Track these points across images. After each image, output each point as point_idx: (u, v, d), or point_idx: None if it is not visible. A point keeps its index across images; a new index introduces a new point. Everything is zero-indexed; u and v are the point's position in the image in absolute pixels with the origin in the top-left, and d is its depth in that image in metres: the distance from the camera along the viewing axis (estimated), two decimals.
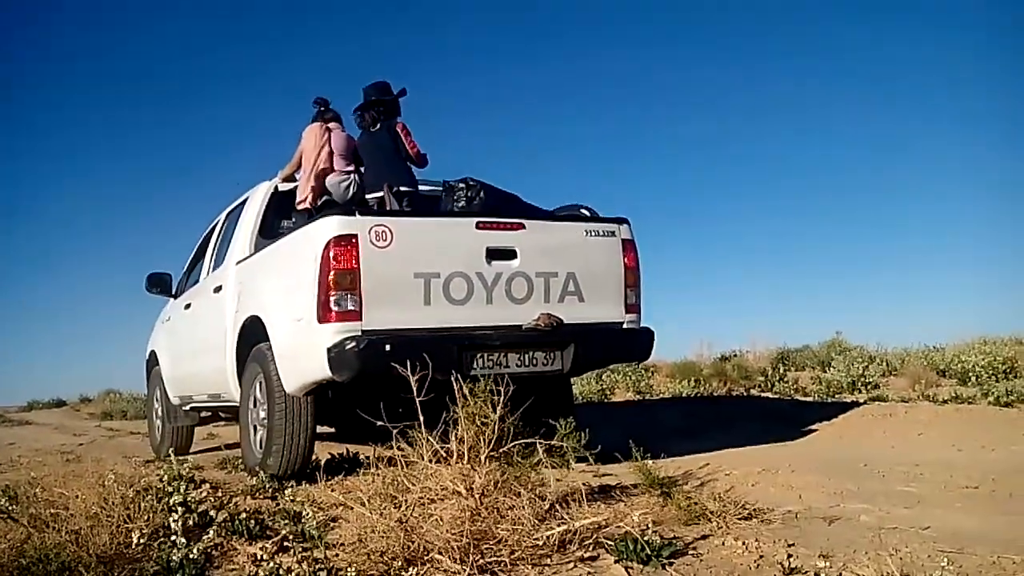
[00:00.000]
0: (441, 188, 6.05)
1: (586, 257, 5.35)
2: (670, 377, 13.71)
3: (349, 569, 2.76)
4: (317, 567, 2.96)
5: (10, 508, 3.81)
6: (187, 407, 7.64)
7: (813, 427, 7.27)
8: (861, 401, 9.05)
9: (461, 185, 5.70)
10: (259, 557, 3.27)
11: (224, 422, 8.81)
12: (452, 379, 3.73)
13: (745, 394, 11.40)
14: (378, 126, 6.09)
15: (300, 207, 6.07)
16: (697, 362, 15.07)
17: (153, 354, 8.32)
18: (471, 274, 4.94)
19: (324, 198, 6.07)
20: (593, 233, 5.40)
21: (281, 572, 2.68)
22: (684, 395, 11.43)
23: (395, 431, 3.60)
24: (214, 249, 6.94)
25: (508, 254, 5.07)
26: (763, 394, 11.21)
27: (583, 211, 5.74)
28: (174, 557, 2.47)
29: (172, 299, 7.96)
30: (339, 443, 6.89)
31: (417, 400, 3.57)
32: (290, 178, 6.34)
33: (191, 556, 2.49)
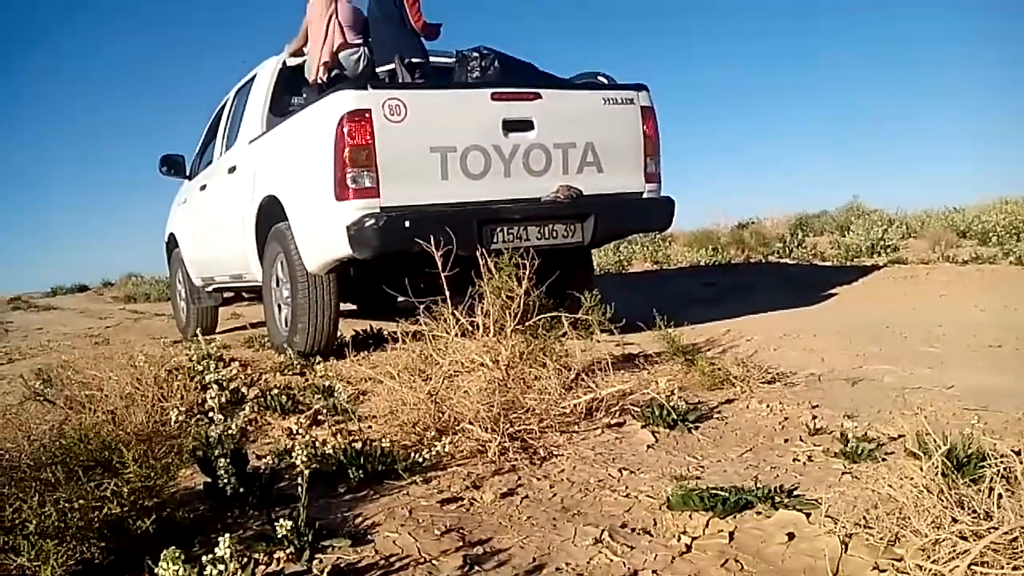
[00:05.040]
0: (454, 59, 5.89)
1: (604, 126, 5.24)
2: (687, 246, 13.70)
3: (383, 440, 2.82)
4: (351, 438, 3.03)
5: (45, 391, 3.89)
6: (210, 288, 7.71)
7: (833, 291, 7.28)
8: (881, 264, 9.03)
9: (475, 55, 5.54)
10: (294, 430, 3.36)
11: (247, 302, 8.91)
12: (477, 254, 3.73)
13: (764, 261, 11.39)
14: None
15: (311, 81, 5.92)
16: (714, 230, 15.04)
17: (172, 236, 8.34)
18: (488, 147, 4.86)
19: (334, 72, 5.91)
20: (611, 101, 5.27)
21: (316, 444, 2.73)
22: (702, 264, 11.44)
23: (421, 306, 3.62)
24: (225, 129, 6.84)
25: (525, 125, 4.97)
26: (782, 260, 11.19)
27: (600, 79, 5.59)
28: (212, 433, 2.52)
29: (187, 180, 7.91)
30: (362, 320, 6.97)
31: (442, 275, 3.57)
32: (298, 53, 6.15)
33: (229, 431, 2.53)
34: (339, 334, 5.44)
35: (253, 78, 6.40)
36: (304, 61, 6.08)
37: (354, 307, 8.04)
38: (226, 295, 7.99)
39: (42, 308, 16.30)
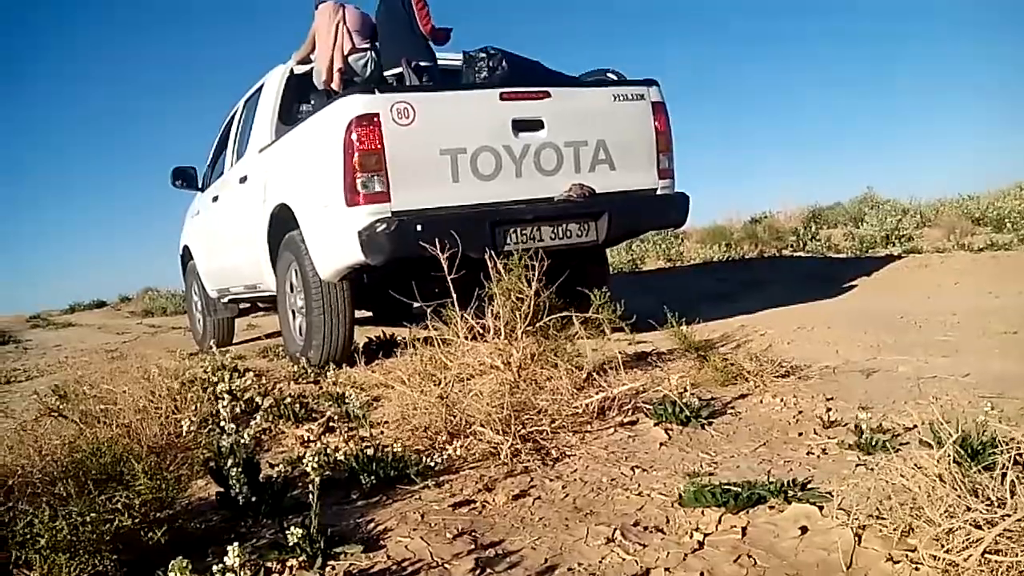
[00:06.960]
0: (461, 60, 5.89)
1: (615, 123, 5.22)
2: (700, 243, 13.64)
3: (395, 445, 2.82)
4: (364, 444, 3.03)
5: (60, 406, 3.91)
6: (225, 299, 7.74)
7: (848, 283, 7.23)
8: (895, 254, 8.96)
9: (482, 55, 5.53)
10: (307, 438, 3.37)
11: (263, 312, 8.93)
12: (486, 256, 3.72)
13: (777, 255, 11.34)
14: None
15: (324, 86, 5.94)
16: (727, 226, 14.94)
17: (187, 249, 8.38)
18: (498, 147, 4.85)
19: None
20: (621, 98, 5.26)
21: (329, 451, 2.74)
22: (716, 260, 11.39)
23: (430, 311, 3.62)
24: (235, 139, 6.88)
25: (535, 125, 4.96)
26: (796, 254, 11.14)
27: (610, 75, 5.58)
28: (224, 443, 2.53)
29: (199, 192, 7.95)
30: (376, 326, 6.98)
31: (450, 279, 3.57)
32: (305, 60, 6.19)
33: (241, 441, 2.54)
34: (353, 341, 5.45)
35: (261, 87, 6.43)
36: (312, 68, 6.10)
37: (369, 314, 8.05)
38: (242, 306, 8.02)
39: (60, 325, 16.43)
